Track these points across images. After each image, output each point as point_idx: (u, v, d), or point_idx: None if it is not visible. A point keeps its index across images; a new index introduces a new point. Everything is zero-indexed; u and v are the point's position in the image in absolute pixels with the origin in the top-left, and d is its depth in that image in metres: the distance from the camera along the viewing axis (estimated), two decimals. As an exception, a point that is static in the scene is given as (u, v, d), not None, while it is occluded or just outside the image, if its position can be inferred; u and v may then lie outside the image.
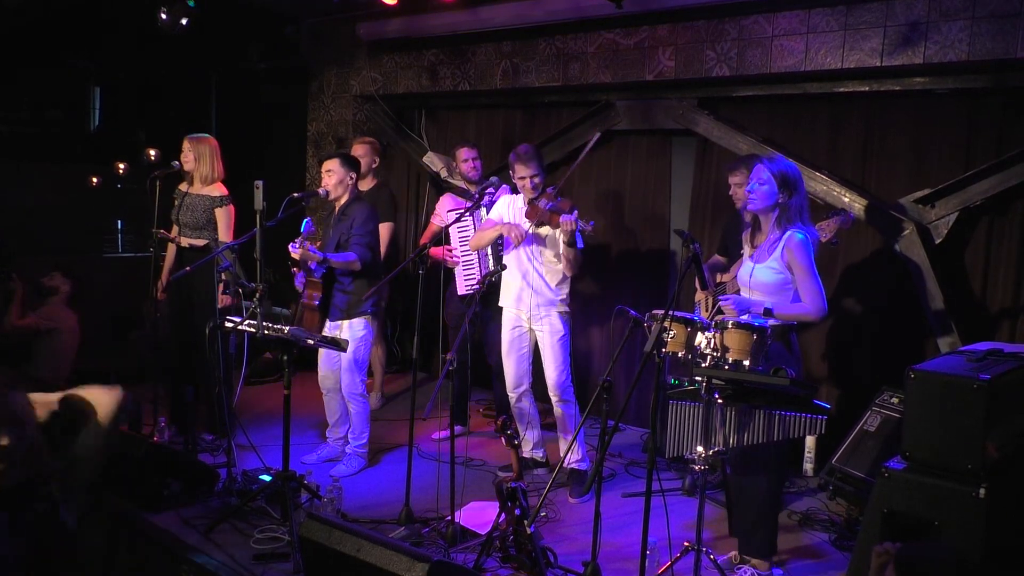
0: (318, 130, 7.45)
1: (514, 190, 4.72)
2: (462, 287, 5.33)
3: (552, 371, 4.57)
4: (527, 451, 4.87)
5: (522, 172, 4.45)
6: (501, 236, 4.61)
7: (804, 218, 3.49)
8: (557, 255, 4.51)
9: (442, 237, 5.28)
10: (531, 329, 4.65)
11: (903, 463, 2.97)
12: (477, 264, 5.27)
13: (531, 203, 4.45)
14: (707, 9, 5.01)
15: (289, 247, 4.41)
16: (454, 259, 5.33)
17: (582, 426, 4.15)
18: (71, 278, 5.85)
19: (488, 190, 4.83)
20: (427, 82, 6.58)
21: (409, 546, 3.02)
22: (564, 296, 4.59)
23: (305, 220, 4.43)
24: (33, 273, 5.80)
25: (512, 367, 4.70)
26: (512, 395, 4.74)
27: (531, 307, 4.56)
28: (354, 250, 4.54)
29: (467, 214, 5.01)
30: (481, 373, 5.93)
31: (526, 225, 4.46)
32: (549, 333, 4.56)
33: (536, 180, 4.44)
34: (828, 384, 5.08)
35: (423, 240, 5.55)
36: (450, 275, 5.41)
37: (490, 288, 5.21)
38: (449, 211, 5.39)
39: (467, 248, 5.28)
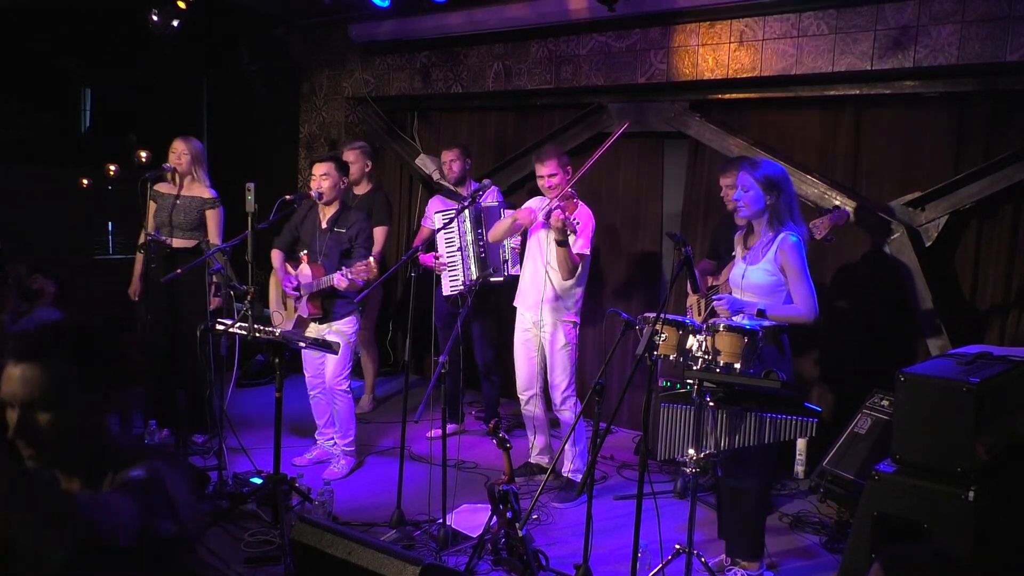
0: (310, 132, 7.44)
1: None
2: (446, 288, 5.32)
3: (553, 380, 4.57)
4: (533, 456, 4.86)
5: (539, 171, 4.44)
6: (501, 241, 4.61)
7: (795, 216, 3.49)
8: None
9: (434, 242, 5.26)
10: (539, 334, 4.61)
11: (893, 466, 2.98)
12: (460, 265, 5.26)
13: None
14: (699, 12, 5.02)
15: (336, 281, 4.36)
16: (441, 266, 5.32)
17: (572, 432, 4.16)
18: (54, 279, 5.81)
19: (480, 193, 4.82)
20: (419, 84, 6.58)
21: (400, 549, 3.02)
22: (572, 303, 4.54)
23: (369, 258, 4.38)
24: (20, 277, 5.75)
25: (522, 371, 4.68)
26: (521, 397, 4.73)
27: (540, 311, 4.54)
28: None
29: (455, 219, 5.01)
30: (472, 373, 5.93)
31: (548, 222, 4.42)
32: (553, 341, 4.54)
33: (555, 180, 4.39)
34: (818, 386, 5.09)
35: (416, 243, 5.54)
36: (440, 278, 5.41)
37: (478, 288, 5.21)
38: (436, 212, 5.39)
39: (452, 251, 5.29)
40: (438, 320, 5.61)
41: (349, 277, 4.30)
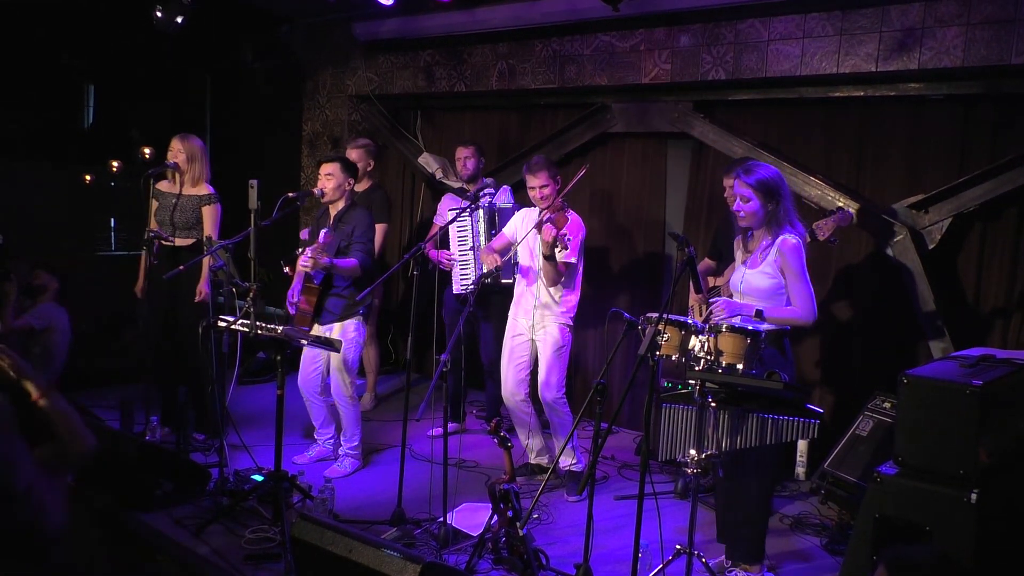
0: (313, 130, 7.43)
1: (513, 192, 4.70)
2: (457, 286, 5.33)
3: (544, 380, 4.56)
4: (532, 458, 4.85)
5: (530, 183, 4.44)
6: (509, 247, 4.60)
7: (792, 219, 3.49)
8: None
9: (437, 240, 5.26)
10: (532, 339, 4.61)
11: (895, 468, 2.97)
12: (473, 264, 5.27)
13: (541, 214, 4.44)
14: (703, 12, 5.02)
15: (300, 262, 4.40)
16: (449, 263, 5.32)
17: (574, 430, 4.16)
18: (56, 275, 5.81)
19: (485, 191, 4.82)
20: (423, 83, 6.58)
21: (401, 547, 3.02)
22: (567, 308, 4.55)
23: (323, 231, 4.43)
24: (23, 274, 5.75)
25: (509, 376, 4.67)
26: (509, 402, 4.72)
27: (533, 315, 4.54)
28: (356, 256, 4.55)
29: (462, 215, 5.00)
30: (476, 372, 5.93)
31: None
32: (547, 343, 4.53)
33: (546, 191, 4.41)
34: (821, 388, 5.09)
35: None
36: (445, 276, 5.42)
37: (485, 288, 5.22)
38: (450, 211, 5.40)
39: (465, 249, 5.29)
40: (445, 316, 5.61)
41: (310, 253, 4.35)
